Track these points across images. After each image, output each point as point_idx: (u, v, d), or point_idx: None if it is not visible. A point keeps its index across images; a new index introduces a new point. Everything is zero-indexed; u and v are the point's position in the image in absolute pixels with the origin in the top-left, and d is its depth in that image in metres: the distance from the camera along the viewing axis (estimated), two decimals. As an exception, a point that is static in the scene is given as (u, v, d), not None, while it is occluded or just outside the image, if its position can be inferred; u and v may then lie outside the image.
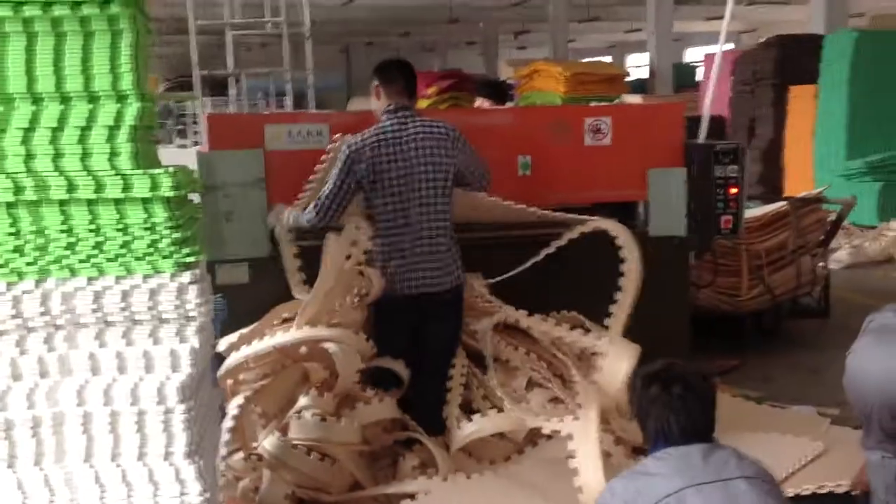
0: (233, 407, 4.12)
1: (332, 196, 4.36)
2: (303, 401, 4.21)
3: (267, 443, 4.07)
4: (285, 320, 4.46)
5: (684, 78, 21.04)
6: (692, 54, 32.22)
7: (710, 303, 6.49)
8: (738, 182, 5.20)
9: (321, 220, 4.40)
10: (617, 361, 4.31)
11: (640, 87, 19.06)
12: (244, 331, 4.38)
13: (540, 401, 4.33)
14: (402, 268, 4.36)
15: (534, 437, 4.23)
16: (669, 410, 2.81)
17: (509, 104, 15.87)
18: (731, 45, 23.23)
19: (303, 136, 4.85)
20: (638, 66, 28.74)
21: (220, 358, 4.22)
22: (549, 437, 4.19)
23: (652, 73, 18.02)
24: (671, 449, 2.77)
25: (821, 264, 6.99)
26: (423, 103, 18.50)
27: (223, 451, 3.97)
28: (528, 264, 4.75)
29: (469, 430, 4.22)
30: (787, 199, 6.97)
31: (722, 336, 6.71)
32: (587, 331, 4.58)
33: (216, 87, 20.12)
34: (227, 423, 4.02)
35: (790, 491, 4.32)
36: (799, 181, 12.70)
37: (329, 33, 27.97)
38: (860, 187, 11.81)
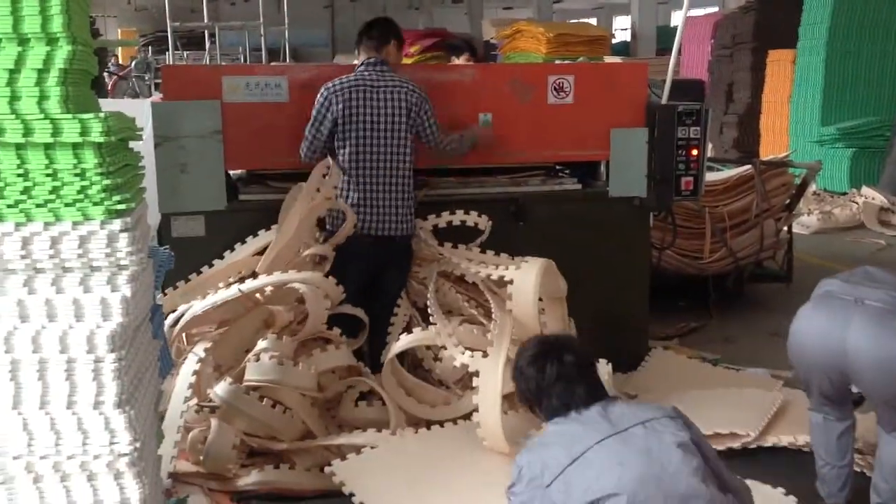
0: (192, 360, 4.09)
1: (311, 130, 4.59)
2: (261, 344, 4.23)
3: (219, 388, 4.07)
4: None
5: (668, 40, 20.90)
6: (679, 17, 32.01)
7: (674, 265, 6.49)
8: (699, 144, 5.17)
9: (304, 154, 4.64)
10: (523, 284, 4.33)
11: (623, 49, 18.97)
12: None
13: (468, 329, 4.43)
14: (364, 211, 4.56)
15: (470, 383, 4.25)
16: (572, 382, 2.85)
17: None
18: (714, 9, 23.10)
19: (261, 88, 4.80)
20: (624, 28, 28.57)
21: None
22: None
23: (634, 35, 17.91)
24: (572, 414, 2.81)
25: (784, 228, 6.99)
26: (405, 62, 18.42)
27: (183, 407, 3.96)
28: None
29: (397, 345, 4.36)
30: (751, 163, 6.94)
31: (685, 298, 6.75)
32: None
33: (199, 44, 19.90)
34: (188, 378, 4.00)
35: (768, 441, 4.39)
36: (775, 147, 12.73)
37: (314, -11, 27.66)
38: (832, 153, 11.83)
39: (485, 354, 4.15)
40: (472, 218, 4.82)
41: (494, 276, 4.46)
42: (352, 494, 3.81)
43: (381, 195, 4.56)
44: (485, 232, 4.82)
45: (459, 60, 7.29)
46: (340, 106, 4.51)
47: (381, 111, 4.53)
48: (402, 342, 4.37)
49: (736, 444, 4.32)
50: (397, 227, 4.60)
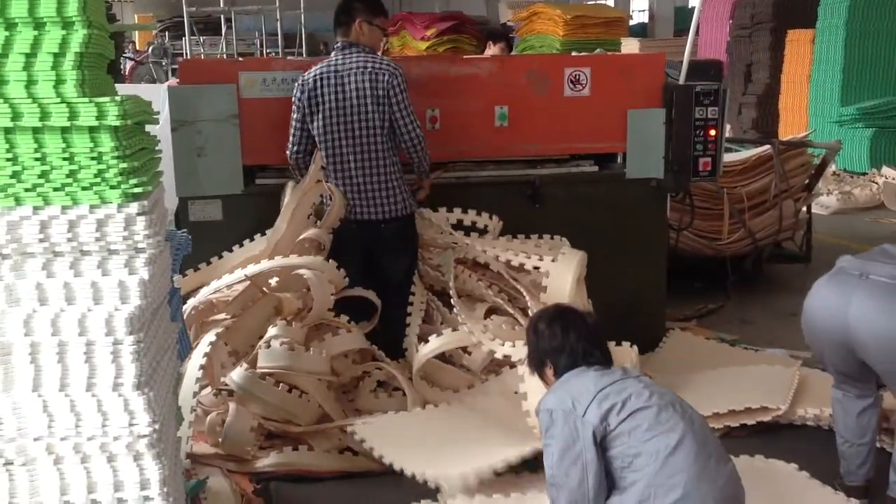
0: (204, 343, 4.13)
1: (292, 130, 4.59)
2: (272, 331, 4.24)
3: (234, 374, 4.09)
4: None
5: (686, 21, 20.76)
6: (696, -1, 31.75)
7: (692, 246, 6.47)
8: (717, 124, 5.14)
9: (291, 156, 4.62)
10: (560, 278, 4.34)
11: (641, 30, 18.84)
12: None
13: (498, 322, 4.39)
14: (346, 196, 4.54)
15: (495, 368, 4.25)
16: (592, 344, 3.14)
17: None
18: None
19: (277, 83, 4.80)
20: (641, 9, 28.35)
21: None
22: (511, 366, 4.27)
23: (651, 16, 17.77)
24: (580, 368, 3.09)
25: (803, 209, 6.95)
26: (421, 46, 18.31)
27: (195, 387, 3.99)
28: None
29: (427, 349, 4.30)
30: (770, 143, 6.89)
31: (703, 279, 6.72)
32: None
33: (215, 30, 19.90)
34: (199, 360, 4.03)
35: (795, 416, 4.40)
36: (794, 127, 12.64)
37: (330, -27, 27.57)
38: (852, 133, 11.74)
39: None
40: (483, 220, 4.78)
41: (528, 266, 4.44)
42: (371, 449, 3.86)
43: (359, 179, 4.51)
44: (495, 233, 4.79)
45: (495, 48, 7.26)
46: (306, 96, 4.49)
47: (346, 93, 4.47)
48: (433, 346, 4.31)
49: (767, 418, 4.33)
50: (379, 210, 4.53)
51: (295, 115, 4.56)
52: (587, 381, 2.99)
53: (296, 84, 4.56)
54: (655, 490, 2.81)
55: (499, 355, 4.22)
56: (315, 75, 4.51)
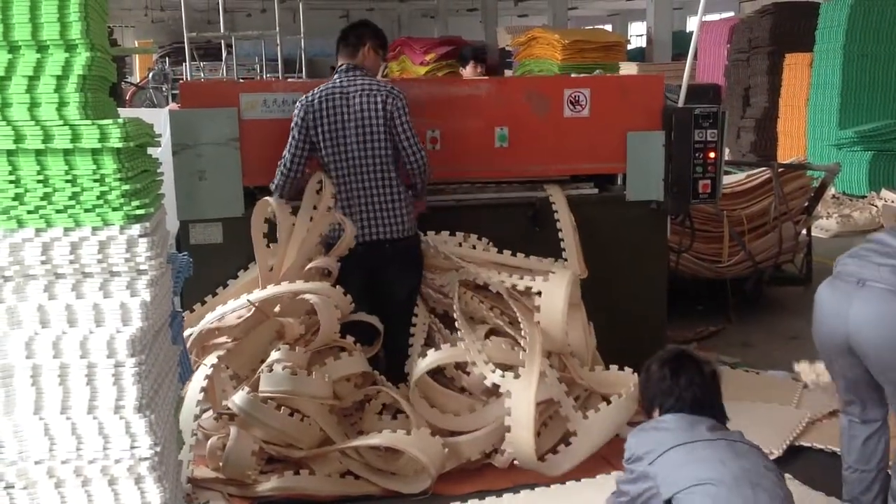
0: (206, 366, 4.12)
1: (291, 151, 4.54)
2: (274, 355, 4.22)
3: (236, 398, 4.07)
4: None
5: (684, 46, 20.82)
6: (695, 23, 31.91)
7: (692, 268, 6.47)
8: (716, 146, 5.15)
9: (286, 180, 4.56)
10: (551, 296, 4.34)
11: (639, 55, 18.91)
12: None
13: (497, 343, 4.37)
14: (351, 218, 4.52)
15: (495, 391, 4.23)
16: (698, 388, 3.05)
17: (508, 73, 15.79)
18: (730, 13, 23.06)
19: (278, 104, 4.80)
20: (639, 34, 28.52)
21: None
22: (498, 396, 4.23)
23: (649, 40, 17.84)
24: (685, 414, 3.01)
25: (803, 231, 6.95)
26: (420, 70, 18.41)
27: (196, 410, 3.98)
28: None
29: (425, 362, 4.29)
30: (769, 165, 6.90)
31: (704, 301, 6.72)
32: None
33: (215, 55, 19.98)
34: (200, 382, 4.02)
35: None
36: (792, 150, 12.68)
37: (330, -1, 27.79)
38: (851, 157, 11.76)
39: (516, 375, 4.11)
40: (471, 242, 4.79)
41: (521, 287, 4.45)
42: None
43: (366, 199, 4.51)
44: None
45: (466, 70, 7.25)
46: (311, 116, 4.47)
47: (354, 114, 4.48)
48: (430, 360, 4.30)
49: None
50: (386, 230, 4.53)
51: (296, 136, 4.53)
52: (671, 431, 2.94)
53: (297, 104, 4.54)
54: None
55: (488, 384, 4.19)
56: (320, 96, 4.51)
